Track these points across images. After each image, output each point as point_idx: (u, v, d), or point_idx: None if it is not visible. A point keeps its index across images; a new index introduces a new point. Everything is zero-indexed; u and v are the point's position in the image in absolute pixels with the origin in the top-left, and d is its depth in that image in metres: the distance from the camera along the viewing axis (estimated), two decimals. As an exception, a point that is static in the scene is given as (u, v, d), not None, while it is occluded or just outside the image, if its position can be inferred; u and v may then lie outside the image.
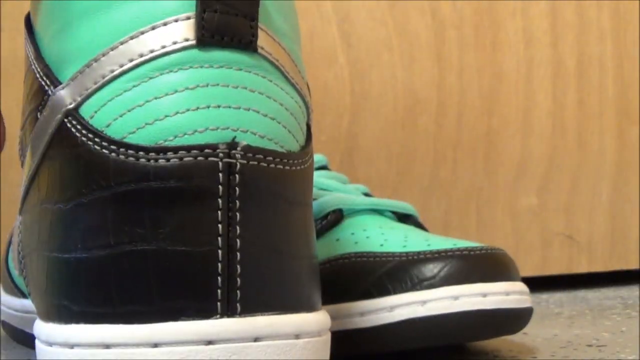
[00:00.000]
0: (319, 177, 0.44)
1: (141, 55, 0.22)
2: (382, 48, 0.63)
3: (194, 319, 0.21)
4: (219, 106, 0.22)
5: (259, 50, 0.23)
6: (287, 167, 0.23)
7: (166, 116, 0.22)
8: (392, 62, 0.63)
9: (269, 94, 0.23)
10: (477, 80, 0.64)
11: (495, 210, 0.64)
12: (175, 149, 0.21)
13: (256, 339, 0.21)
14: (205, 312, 0.21)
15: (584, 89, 0.66)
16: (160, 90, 0.22)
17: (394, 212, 0.42)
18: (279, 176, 0.23)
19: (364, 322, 0.34)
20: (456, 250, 0.35)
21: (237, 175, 0.21)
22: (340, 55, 0.63)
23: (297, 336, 0.22)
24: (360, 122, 0.63)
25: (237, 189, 0.21)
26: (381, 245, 0.36)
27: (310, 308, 0.23)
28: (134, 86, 0.22)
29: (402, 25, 0.64)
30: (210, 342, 0.20)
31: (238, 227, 0.21)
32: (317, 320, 0.23)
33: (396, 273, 0.34)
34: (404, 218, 0.42)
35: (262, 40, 0.24)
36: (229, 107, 0.22)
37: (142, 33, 0.23)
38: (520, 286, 0.36)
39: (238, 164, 0.21)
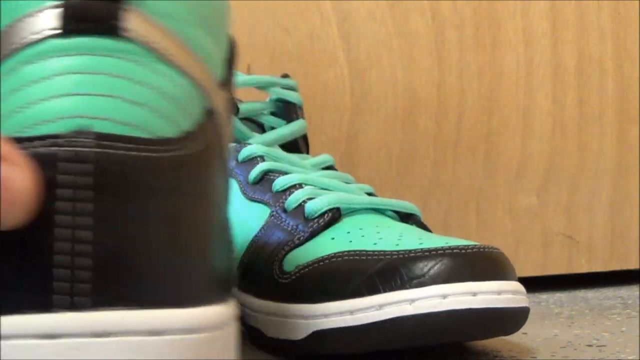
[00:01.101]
0: (320, 176, 0.44)
1: (9, 46, 0.23)
2: (382, 48, 0.63)
3: (36, 312, 0.20)
4: (77, 94, 0.22)
5: (127, 33, 0.23)
6: (158, 154, 0.22)
7: (29, 104, 0.22)
8: (392, 62, 0.63)
9: (138, 79, 0.23)
10: (477, 80, 0.64)
11: (495, 210, 0.64)
12: (31, 139, 0.21)
13: (103, 335, 0.20)
14: (49, 305, 0.20)
15: (584, 89, 0.66)
16: (24, 80, 0.22)
17: (396, 212, 0.42)
18: (145, 164, 0.22)
19: (354, 320, 0.34)
20: (447, 248, 0.34)
21: (90, 164, 0.21)
22: (340, 55, 0.63)
23: (153, 333, 0.21)
24: (360, 122, 0.63)
25: (90, 178, 0.21)
26: (374, 244, 0.36)
27: (178, 303, 0.22)
28: (1, 79, 0.22)
29: (402, 25, 0.63)
30: (51, 337, 0.20)
31: (90, 219, 0.20)
32: (185, 317, 0.21)
33: (387, 271, 0.34)
34: (406, 217, 0.42)
35: (133, 23, 0.23)
36: (88, 94, 0.22)
37: (10, 25, 0.23)
38: (514, 285, 0.35)
39: (93, 152, 0.21)
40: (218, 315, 0.23)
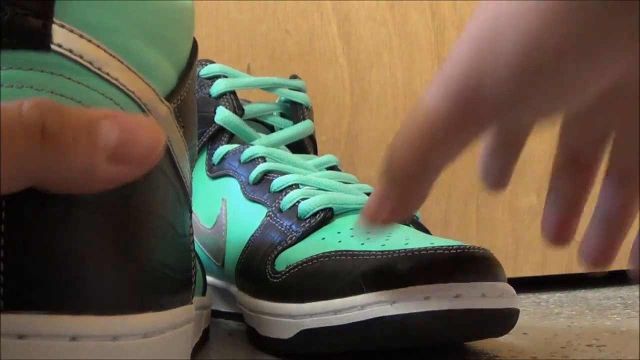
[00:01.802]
0: (319, 177, 0.44)
1: None
2: (382, 48, 0.63)
3: None
4: None
5: (55, 48, 0.23)
6: None
7: None
8: (392, 62, 0.63)
9: (62, 92, 0.23)
10: (477, 80, 0.64)
11: (495, 210, 0.64)
12: None
13: (20, 337, 0.20)
14: None
15: (584, 89, 0.66)
16: None
17: None
18: None
19: (338, 320, 0.34)
20: (430, 248, 0.34)
21: None
22: (340, 55, 0.63)
23: (73, 338, 0.21)
24: (360, 122, 0.63)
25: None
26: (362, 244, 0.36)
27: (94, 310, 0.22)
28: None
29: (402, 25, 0.63)
30: None
31: (2, 225, 0.21)
32: (102, 323, 0.21)
33: (370, 272, 0.34)
34: None
35: (61, 37, 0.24)
36: None
37: None
38: (500, 286, 0.34)
39: None
40: (139, 323, 0.23)
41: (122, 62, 0.25)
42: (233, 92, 0.48)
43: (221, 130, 0.47)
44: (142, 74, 0.26)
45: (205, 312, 0.41)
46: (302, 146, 0.50)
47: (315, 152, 0.51)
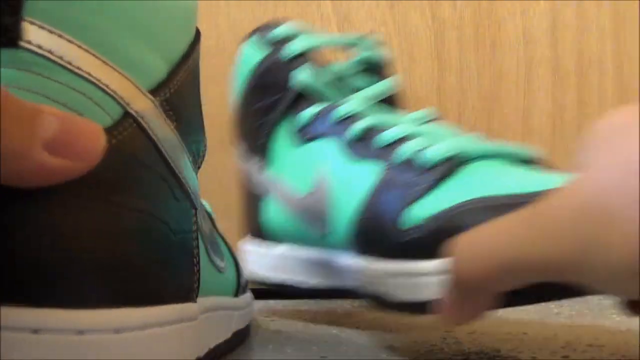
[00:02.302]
0: (429, 128, 0.41)
1: None
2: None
3: None
4: None
5: (25, 45, 0.24)
6: None
7: None
8: (392, 62, 0.63)
9: (32, 88, 0.23)
10: (477, 80, 0.64)
11: (495, 210, 0.64)
12: None
13: (36, 331, 0.21)
14: None
15: (584, 89, 0.66)
16: None
17: (518, 159, 0.39)
18: None
19: None
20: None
21: None
22: (340, 55, 0.63)
23: (35, 331, 0.21)
24: (360, 122, 0.63)
25: None
26: (506, 187, 0.33)
27: (64, 303, 0.22)
28: None
29: (402, 25, 0.64)
30: None
31: None
32: (66, 317, 0.22)
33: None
34: (528, 163, 0.39)
35: (32, 35, 0.24)
36: None
37: None
38: None
39: None
40: (108, 318, 0.23)
41: (95, 56, 0.25)
42: (310, 53, 0.44)
43: (300, 96, 0.44)
44: (119, 67, 0.26)
45: (237, 314, 0.40)
46: (392, 102, 0.45)
47: (404, 108, 0.47)
